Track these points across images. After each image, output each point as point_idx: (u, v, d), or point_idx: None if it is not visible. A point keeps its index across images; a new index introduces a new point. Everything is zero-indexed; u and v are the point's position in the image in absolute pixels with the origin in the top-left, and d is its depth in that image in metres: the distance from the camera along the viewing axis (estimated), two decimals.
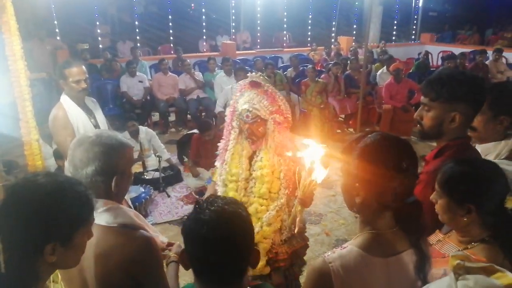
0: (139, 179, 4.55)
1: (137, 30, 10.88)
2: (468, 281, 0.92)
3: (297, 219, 1.89)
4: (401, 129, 6.19)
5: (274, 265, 2.08)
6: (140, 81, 6.94)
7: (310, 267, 1.20)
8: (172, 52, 10.53)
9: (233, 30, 11.72)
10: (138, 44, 10.30)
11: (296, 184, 1.82)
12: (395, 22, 13.31)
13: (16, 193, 1.03)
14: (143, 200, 4.07)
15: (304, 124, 6.49)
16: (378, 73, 7.53)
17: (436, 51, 10.87)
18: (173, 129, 7.17)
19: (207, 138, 4.64)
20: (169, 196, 4.64)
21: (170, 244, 1.69)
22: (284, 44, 12.16)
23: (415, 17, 13.25)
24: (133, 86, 6.87)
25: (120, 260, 1.29)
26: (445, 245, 1.44)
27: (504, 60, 8.56)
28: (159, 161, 4.65)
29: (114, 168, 1.37)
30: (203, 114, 7.05)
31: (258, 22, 11.81)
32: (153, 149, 5.16)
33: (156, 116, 7.39)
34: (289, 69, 7.91)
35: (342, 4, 12.65)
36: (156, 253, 1.39)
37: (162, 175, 4.75)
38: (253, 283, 1.40)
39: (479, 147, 1.75)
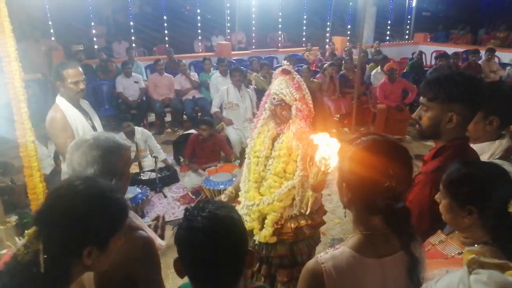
0: (135, 180, 4.55)
1: (132, 30, 10.85)
2: (481, 275, 0.91)
3: (309, 202, 2.03)
4: (395, 128, 6.24)
5: (279, 237, 2.29)
6: (136, 82, 6.92)
7: (304, 267, 1.22)
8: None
9: (228, 31, 11.72)
10: (133, 45, 10.27)
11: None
12: (389, 22, 13.38)
13: (60, 197, 1.06)
14: (140, 200, 4.06)
15: None
16: (373, 73, 7.57)
17: (429, 51, 10.95)
18: (169, 130, 7.16)
19: (203, 133, 4.68)
20: (165, 196, 4.64)
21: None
22: (279, 44, 12.18)
23: (409, 17, 13.33)
24: (129, 87, 6.85)
25: (119, 260, 1.30)
26: (447, 246, 1.44)
27: (496, 60, 8.65)
28: (155, 162, 4.65)
29: (113, 171, 1.38)
30: (199, 114, 7.05)
31: (253, 22, 11.83)
32: (149, 149, 5.16)
33: (152, 117, 7.39)
34: None
35: (336, 4, 12.69)
36: (155, 254, 1.40)
37: (159, 175, 4.75)
38: (251, 285, 1.42)
39: (474, 147, 1.76)
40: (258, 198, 2.31)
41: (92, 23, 10.40)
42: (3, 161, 4.51)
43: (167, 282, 2.94)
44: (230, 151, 5.00)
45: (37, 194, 2.89)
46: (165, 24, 11.16)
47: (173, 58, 8.05)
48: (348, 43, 10.51)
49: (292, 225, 2.27)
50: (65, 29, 9.91)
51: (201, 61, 7.86)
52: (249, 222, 2.30)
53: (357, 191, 1.16)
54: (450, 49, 9.91)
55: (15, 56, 2.80)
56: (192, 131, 5.64)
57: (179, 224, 1.10)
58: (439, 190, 1.41)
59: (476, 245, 1.33)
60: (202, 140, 4.79)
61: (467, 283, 0.95)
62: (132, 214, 1.47)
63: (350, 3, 13.34)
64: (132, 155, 4.55)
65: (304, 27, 12.77)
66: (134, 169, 4.75)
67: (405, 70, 8.34)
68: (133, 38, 10.77)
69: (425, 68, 8.72)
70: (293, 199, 2.26)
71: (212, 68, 7.43)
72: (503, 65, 8.54)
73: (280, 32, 12.85)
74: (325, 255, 1.17)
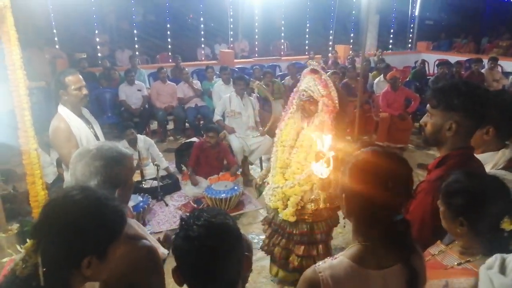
0: (137, 188, 4.54)
1: (135, 38, 10.94)
2: None
3: (321, 198, 2.50)
4: (398, 137, 6.22)
5: (300, 217, 2.63)
6: (139, 90, 6.95)
7: (301, 275, 1.22)
8: (170, 60, 10.58)
9: (231, 39, 11.79)
10: (137, 53, 10.33)
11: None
12: (392, 30, 13.43)
13: (56, 209, 1.05)
14: (141, 209, 4.06)
15: None
16: (375, 81, 7.57)
17: (432, 60, 10.95)
18: (171, 138, 7.17)
19: (211, 140, 4.70)
20: (167, 205, 4.63)
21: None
22: (282, 53, 12.23)
23: (412, 25, 13.37)
24: (132, 95, 6.88)
25: (123, 270, 1.30)
26: (447, 257, 1.44)
27: (499, 69, 8.64)
28: (157, 170, 4.65)
29: (116, 180, 1.39)
30: (201, 122, 7.06)
31: (256, 30, 11.90)
32: (151, 157, 5.16)
33: (154, 125, 7.40)
34: (286, 78, 7.93)
35: (339, 13, 12.75)
36: (158, 263, 1.40)
37: (160, 183, 4.74)
38: None
39: (478, 157, 1.76)
40: (282, 181, 2.66)
41: (96, 31, 10.50)
42: (6, 168, 4.53)
43: None
44: (233, 161, 5.00)
45: (39, 202, 2.89)
46: (169, 32, 11.25)
47: (179, 66, 8.08)
48: (351, 52, 10.54)
49: (312, 207, 2.59)
50: (69, 37, 10.00)
51: (204, 69, 7.89)
52: (274, 202, 2.70)
53: (356, 202, 1.16)
54: (453, 58, 9.92)
55: (20, 65, 2.83)
56: (195, 139, 5.66)
57: (176, 234, 1.11)
58: None
59: (476, 257, 1.34)
60: (208, 147, 4.79)
61: None
62: (134, 223, 1.46)
63: (353, 12, 13.40)
64: (134, 163, 4.55)
65: (307, 36, 12.84)
66: (136, 177, 4.75)
67: (408, 79, 8.33)
68: (136, 46, 10.86)
69: (428, 77, 8.72)
70: (313, 184, 2.57)
71: (215, 76, 7.46)
72: (506, 74, 8.54)
73: (282, 41, 12.92)
74: (323, 264, 1.17)
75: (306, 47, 12.37)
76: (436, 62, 10.74)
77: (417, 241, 1.28)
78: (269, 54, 11.92)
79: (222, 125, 5.39)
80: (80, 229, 1.02)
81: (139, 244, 1.36)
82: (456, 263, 1.39)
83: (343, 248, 3.71)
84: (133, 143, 4.92)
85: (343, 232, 4.02)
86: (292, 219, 2.61)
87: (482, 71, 8.06)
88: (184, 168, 5.33)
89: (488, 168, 1.73)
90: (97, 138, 2.87)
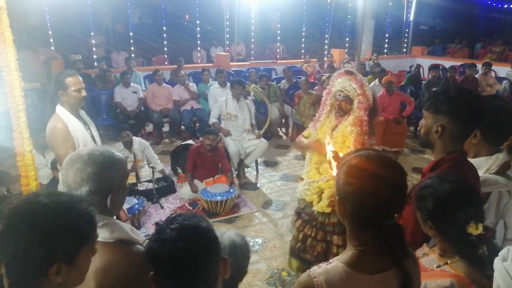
0: (132, 190, 4.53)
1: (131, 40, 10.90)
2: None
3: None
4: (393, 141, 6.25)
5: (334, 208, 2.66)
6: (134, 92, 6.94)
7: (296, 281, 1.22)
8: (166, 63, 10.57)
9: (227, 42, 11.80)
10: (133, 55, 10.32)
11: None
12: (387, 35, 13.51)
13: (17, 216, 1.00)
14: (136, 211, 4.04)
15: (298, 136, 6.52)
16: (371, 85, 7.58)
17: (427, 64, 11.00)
18: (166, 140, 7.15)
19: (211, 143, 4.69)
20: (162, 207, 4.61)
21: None
22: (278, 56, 12.27)
23: (406, 30, 13.45)
24: (127, 97, 6.87)
25: (117, 275, 1.29)
26: (428, 259, 1.48)
27: (493, 74, 8.73)
28: (153, 172, 4.63)
29: (109, 186, 1.36)
30: (197, 125, 7.06)
31: (252, 34, 11.91)
32: (146, 160, 5.15)
33: (149, 127, 7.38)
34: (282, 81, 7.96)
35: (334, 17, 12.83)
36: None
37: (156, 186, 4.72)
38: None
39: (472, 161, 1.78)
40: (317, 176, 2.84)
41: (92, 33, 10.46)
42: (0, 170, 4.49)
43: None
44: (228, 167, 4.94)
45: None
46: (164, 35, 11.22)
47: (182, 67, 7.96)
48: (346, 56, 10.59)
49: None
50: (65, 38, 9.94)
51: (199, 71, 7.88)
52: (310, 196, 2.83)
53: (349, 206, 1.16)
54: (447, 63, 10.01)
55: (15, 66, 2.82)
56: (190, 141, 5.65)
57: (149, 238, 1.11)
58: None
59: (454, 258, 1.39)
60: (205, 151, 4.78)
61: None
62: (128, 227, 1.45)
63: (349, 16, 13.49)
64: (130, 165, 4.54)
65: (303, 39, 12.87)
66: (131, 179, 4.74)
67: (403, 83, 8.38)
68: (132, 48, 10.83)
69: (423, 81, 8.79)
70: None
71: (210, 79, 7.45)
72: (500, 79, 8.62)
73: (278, 44, 12.96)
74: (317, 269, 1.17)
75: (302, 51, 12.40)
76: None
77: (410, 245, 1.28)
78: (265, 58, 11.95)
79: (218, 127, 5.39)
80: (44, 235, 0.97)
81: (133, 249, 1.34)
82: (435, 265, 1.42)
83: None
84: (128, 145, 4.90)
85: None
86: (328, 210, 2.74)
87: (476, 76, 8.14)
88: (179, 170, 5.32)
89: (481, 173, 1.74)
90: (94, 139, 2.86)
